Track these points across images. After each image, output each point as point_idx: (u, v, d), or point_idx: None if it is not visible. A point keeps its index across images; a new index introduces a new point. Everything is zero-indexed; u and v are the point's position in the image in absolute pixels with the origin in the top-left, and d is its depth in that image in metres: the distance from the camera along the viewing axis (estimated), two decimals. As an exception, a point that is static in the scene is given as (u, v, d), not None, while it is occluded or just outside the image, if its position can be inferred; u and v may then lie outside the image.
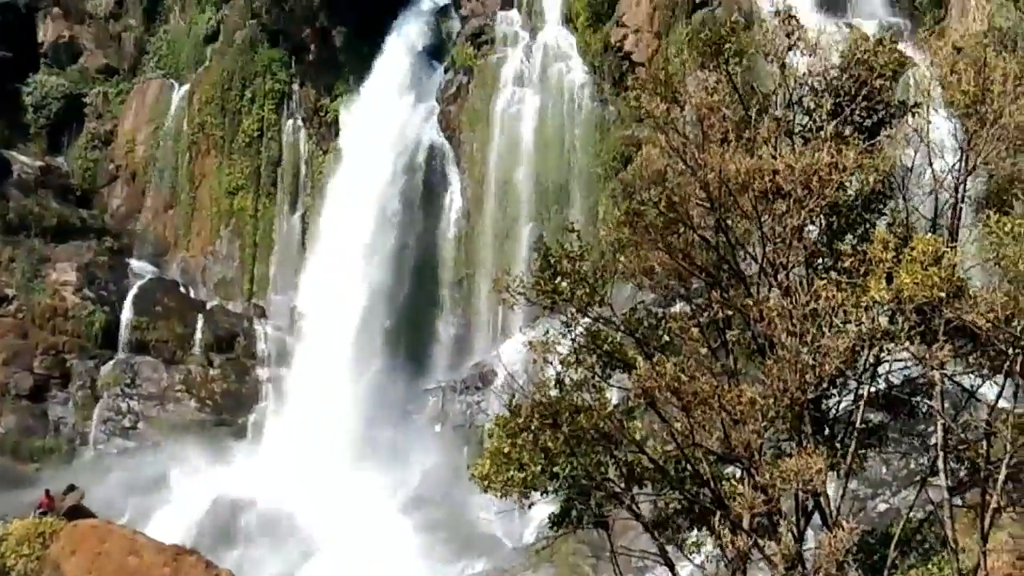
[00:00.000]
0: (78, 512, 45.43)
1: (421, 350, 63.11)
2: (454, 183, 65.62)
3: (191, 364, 64.25)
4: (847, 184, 20.73)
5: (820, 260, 21.17)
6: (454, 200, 65.20)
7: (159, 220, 69.97)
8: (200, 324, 64.99)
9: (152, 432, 61.66)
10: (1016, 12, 46.66)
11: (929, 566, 20.19)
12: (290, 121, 68.28)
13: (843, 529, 17.99)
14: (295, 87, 68.26)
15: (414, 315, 63.15)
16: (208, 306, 66.48)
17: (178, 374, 63.79)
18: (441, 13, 69.12)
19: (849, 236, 21.01)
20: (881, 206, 21.15)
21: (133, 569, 41.35)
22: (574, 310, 20.81)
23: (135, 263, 68.33)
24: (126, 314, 64.41)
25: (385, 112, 65.30)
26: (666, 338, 21.03)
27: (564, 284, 20.42)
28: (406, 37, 67.27)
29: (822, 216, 20.90)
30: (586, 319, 21.08)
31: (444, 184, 65.60)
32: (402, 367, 61.79)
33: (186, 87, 70.06)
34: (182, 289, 67.61)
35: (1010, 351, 17.24)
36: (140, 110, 70.99)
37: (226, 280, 68.16)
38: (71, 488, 46.81)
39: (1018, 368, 17.23)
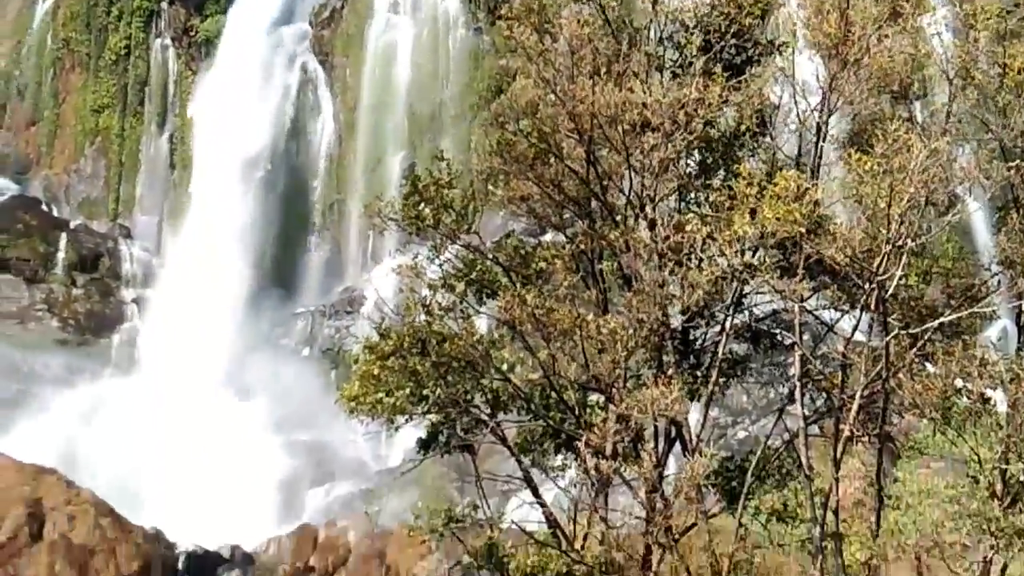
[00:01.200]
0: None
1: (291, 275, 62.83)
2: (326, 108, 65.07)
3: (53, 283, 63.07)
4: (717, 121, 21.09)
5: (692, 195, 21.57)
6: (326, 125, 64.68)
7: (21, 137, 68.31)
8: (63, 243, 63.77)
9: (12, 351, 60.54)
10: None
11: (785, 491, 20.79)
12: (158, 40, 66.92)
13: (703, 455, 18.49)
14: (164, 5, 66.70)
15: (284, 239, 62.78)
16: (72, 225, 65.21)
17: (40, 293, 62.59)
18: (317, -67, 68.18)
19: (721, 172, 21.41)
20: (753, 143, 21.55)
21: (-8, 489, 40.87)
22: (442, 237, 20.94)
23: (-4, 179, 66.78)
24: (-14, 231, 62.99)
25: (256, 34, 64.35)
26: (540, 266, 21.27)
27: (428, 210, 20.53)
28: (280, -44, 66.33)
29: (696, 152, 21.27)
30: (455, 246, 21.23)
31: (316, 108, 65.04)
32: (271, 292, 61.49)
33: (50, 1, 68.19)
34: (44, 207, 66.24)
35: (866, 286, 17.76)
36: (1, 24, 69.00)
37: (91, 199, 66.94)
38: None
39: (873, 302, 17.80)
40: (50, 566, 39.52)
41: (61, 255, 63.47)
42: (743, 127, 21.10)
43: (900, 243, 17.35)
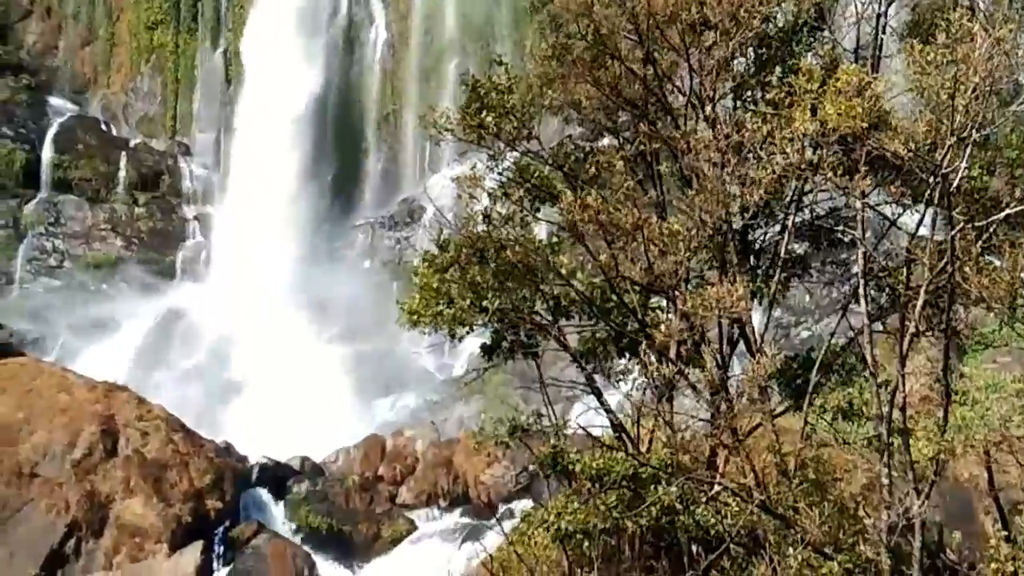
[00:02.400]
0: (6, 351, 45.39)
1: (349, 187, 62.98)
2: (378, 17, 64.74)
3: (115, 203, 63.69)
4: (774, 16, 20.74)
5: (748, 93, 21.28)
6: (379, 35, 64.40)
7: (77, 56, 68.60)
8: (123, 162, 64.30)
9: (78, 271, 61.30)
10: None
11: (850, 389, 20.68)
12: (209, -47, 66.81)
13: (766, 355, 18.39)
14: (214, -83, 66.62)
15: (341, 151, 62.85)
16: (131, 144, 65.70)
17: (103, 213, 63.26)
18: None
19: (778, 68, 21.08)
20: (810, 38, 21.19)
21: (64, 406, 41.61)
22: (501, 144, 20.80)
23: (54, 100, 67.16)
24: (47, 152, 63.48)
25: (308, -56, 63.99)
26: (593, 171, 21.11)
27: (490, 118, 20.34)
28: None
29: (751, 48, 20.95)
30: (514, 153, 21.10)
31: (368, 18, 64.70)
32: (330, 204, 61.70)
33: (101, -81, 68.16)
34: (103, 127, 66.65)
35: (930, 180, 17.49)
36: (53, -57, 69.07)
37: (148, 117, 67.28)
38: (-1, 327, 46.69)
39: (937, 196, 17.54)
40: (125, 481, 40.28)
41: (122, 174, 64.01)
42: (801, 21, 20.74)
43: (964, 135, 17.03)
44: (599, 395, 21.25)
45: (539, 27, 56.77)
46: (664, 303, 20.85)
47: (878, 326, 20.31)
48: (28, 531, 39.03)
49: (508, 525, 27.80)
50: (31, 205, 62.67)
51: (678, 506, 18.61)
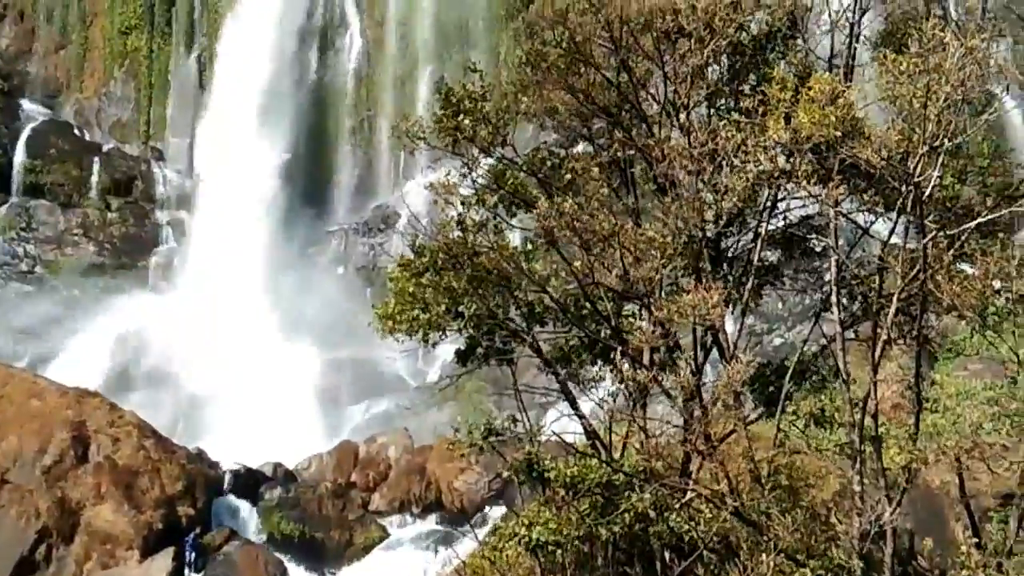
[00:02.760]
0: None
1: (322, 193, 62.88)
2: (353, 23, 64.69)
3: (88, 207, 63.41)
4: (747, 25, 20.84)
5: (722, 101, 21.37)
6: (353, 41, 64.35)
7: (50, 60, 68.32)
8: (96, 167, 64.01)
9: (50, 276, 61.01)
10: None
11: (822, 396, 20.78)
12: (183, -43, 66.62)
13: (740, 362, 18.45)
14: (187, -79, 66.43)
15: (314, 158, 62.72)
16: (104, 148, 65.43)
17: (75, 217, 62.97)
18: None
19: (751, 76, 21.19)
20: (782, 46, 21.29)
21: (36, 412, 41.39)
22: (476, 150, 20.82)
23: (27, 104, 66.83)
24: (19, 157, 63.17)
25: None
26: (568, 177, 21.15)
27: (467, 122, 20.37)
28: None
29: (724, 56, 21.04)
30: (488, 160, 21.13)
31: (343, 24, 64.65)
32: (304, 211, 61.56)
33: (74, -78, 67.88)
34: (76, 131, 66.37)
35: (903, 188, 17.59)
36: (26, -55, 68.79)
37: (122, 122, 67.03)
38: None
39: (909, 204, 17.63)
40: (96, 487, 40.08)
41: (95, 179, 63.74)
42: (774, 29, 20.85)
43: (936, 143, 17.13)
44: (573, 401, 21.28)
45: (514, 34, 57.03)
46: (637, 310, 20.90)
47: (850, 334, 20.42)
48: (-2, 537, 38.82)
49: (482, 532, 27.79)
50: (2, 209, 62.31)
51: (651, 513, 18.65)
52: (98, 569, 38.67)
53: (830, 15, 20.44)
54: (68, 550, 39.06)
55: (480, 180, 21.08)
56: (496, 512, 38.61)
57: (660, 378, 19.84)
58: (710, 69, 20.74)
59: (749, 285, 20.46)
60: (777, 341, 46.93)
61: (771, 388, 20.87)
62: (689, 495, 18.71)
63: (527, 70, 21.31)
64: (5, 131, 63.94)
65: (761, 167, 18.93)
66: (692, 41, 19.91)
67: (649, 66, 20.83)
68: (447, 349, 23.44)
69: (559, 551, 19.14)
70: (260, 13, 62.58)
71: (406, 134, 20.64)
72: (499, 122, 20.63)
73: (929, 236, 17.61)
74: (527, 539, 18.99)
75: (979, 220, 18.67)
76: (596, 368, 21.84)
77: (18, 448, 40.42)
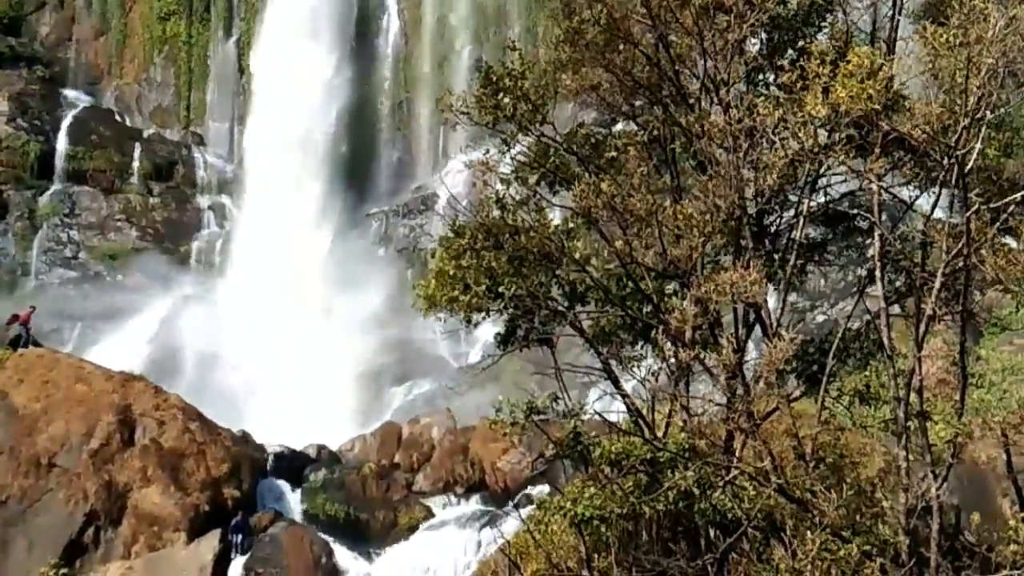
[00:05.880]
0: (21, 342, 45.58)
1: (362, 175, 63.00)
2: (391, 5, 64.69)
3: (130, 193, 63.82)
4: (788, -2, 20.68)
5: (761, 76, 21.20)
6: (391, 22, 64.35)
7: (90, 47, 68.74)
8: (137, 153, 64.43)
9: (93, 261, 61.46)
10: None
11: (867, 373, 20.62)
12: (221, -58, 66.84)
13: (783, 339, 18.34)
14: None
15: (354, 140, 62.86)
16: (145, 134, 65.83)
17: (117, 203, 63.41)
18: None
19: (790, 51, 21.01)
20: (821, 20, 21.10)
21: (82, 396, 41.73)
22: (515, 128, 20.75)
23: (68, 92, 67.32)
24: (61, 144, 63.64)
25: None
26: (610, 155, 21.06)
27: (507, 100, 20.29)
28: None
29: (763, 31, 20.87)
30: (528, 138, 21.06)
31: (381, 6, 64.66)
32: (345, 194, 61.72)
33: (114, -90, 68.21)
34: (117, 118, 66.79)
35: (945, 161, 17.43)
36: (65, -67, 69.16)
37: (162, 108, 67.39)
38: (14, 318, 46.78)
39: (952, 178, 17.47)
40: (142, 470, 40.38)
41: (136, 165, 64.12)
42: (815, 2, 20.66)
43: (979, 116, 16.95)
44: (615, 380, 21.22)
45: (551, 12, 56.84)
46: (678, 288, 20.81)
47: (895, 309, 20.26)
48: (47, 521, 39.17)
49: (525, 511, 27.83)
50: (46, 196, 62.82)
51: (695, 490, 18.58)
52: (146, 551, 38.99)
53: (871, -12, 20.27)
54: (116, 532, 39.40)
55: (520, 158, 21.02)
56: (539, 491, 38.64)
57: (702, 356, 19.77)
58: (749, 43, 20.58)
59: (792, 262, 20.32)
60: (820, 318, 46.72)
61: (815, 365, 20.73)
62: (733, 473, 18.64)
63: (565, 48, 21.20)
64: (47, 118, 64.39)
65: (801, 143, 18.78)
66: (732, 16, 19.75)
67: (689, 42, 20.69)
68: (488, 330, 23.45)
69: (603, 527, 19.12)
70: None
71: (449, 108, 20.57)
72: (538, 100, 20.54)
73: (972, 209, 17.44)
74: (572, 513, 18.97)
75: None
76: (638, 347, 21.77)
77: (65, 432, 40.76)
